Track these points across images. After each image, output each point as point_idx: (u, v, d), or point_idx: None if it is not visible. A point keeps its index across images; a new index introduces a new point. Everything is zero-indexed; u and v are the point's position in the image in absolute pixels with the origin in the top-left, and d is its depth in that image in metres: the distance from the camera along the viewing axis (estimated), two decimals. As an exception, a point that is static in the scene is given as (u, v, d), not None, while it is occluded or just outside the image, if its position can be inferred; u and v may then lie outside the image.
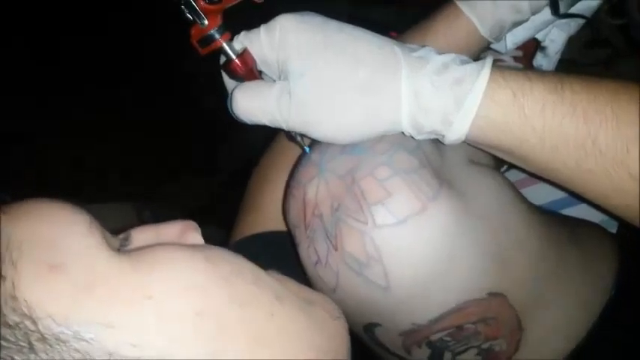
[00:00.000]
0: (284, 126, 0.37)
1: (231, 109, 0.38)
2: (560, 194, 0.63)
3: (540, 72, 0.34)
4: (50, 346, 0.22)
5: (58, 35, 1.11)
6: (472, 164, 0.41)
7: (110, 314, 0.24)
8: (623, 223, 0.57)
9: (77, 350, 0.22)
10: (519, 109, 0.33)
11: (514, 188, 0.43)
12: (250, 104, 0.37)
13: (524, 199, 0.43)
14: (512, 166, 0.64)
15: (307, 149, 0.41)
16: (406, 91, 0.34)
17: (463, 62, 0.35)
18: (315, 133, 0.37)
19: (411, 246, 0.35)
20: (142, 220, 0.32)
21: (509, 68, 0.34)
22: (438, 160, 0.38)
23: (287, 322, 0.29)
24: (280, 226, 0.49)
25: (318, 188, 0.38)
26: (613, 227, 0.59)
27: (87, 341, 0.23)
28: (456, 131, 0.34)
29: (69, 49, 1.13)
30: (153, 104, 1.14)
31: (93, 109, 1.13)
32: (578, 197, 0.52)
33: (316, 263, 0.38)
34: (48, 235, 0.25)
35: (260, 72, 0.39)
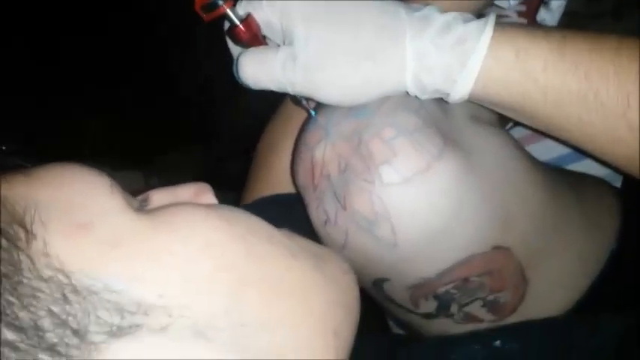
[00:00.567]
0: (290, 90, 0.38)
1: (237, 76, 0.39)
2: (564, 150, 0.63)
3: (543, 29, 0.34)
4: (83, 297, 0.23)
5: (57, 35, 1.11)
6: (475, 122, 0.41)
7: (136, 267, 0.25)
8: (627, 177, 0.59)
9: (108, 300, 0.24)
10: (522, 66, 0.33)
11: (517, 144, 0.44)
12: (256, 70, 0.38)
13: (527, 155, 0.44)
14: (516, 123, 0.65)
15: (313, 113, 0.41)
16: (410, 53, 0.35)
17: (466, 21, 0.35)
18: (321, 96, 0.37)
19: (417, 203, 0.36)
20: (151, 187, 0.33)
21: (512, 25, 0.34)
22: (442, 119, 0.39)
23: (302, 276, 0.30)
24: (290, 190, 0.50)
25: (325, 150, 0.39)
26: (617, 181, 0.60)
27: (117, 292, 0.24)
28: (459, 90, 0.35)
29: (67, 48, 1.12)
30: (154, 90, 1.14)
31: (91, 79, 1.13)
32: (582, 153, 0.53)
33: (326, 223, 0.39)
34: (74, 197, 0.26)
35: (264, 37, 0.40)
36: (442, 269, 0.39)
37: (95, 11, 1.10)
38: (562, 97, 0.33)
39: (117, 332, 0.23)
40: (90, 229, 0.25)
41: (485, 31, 0.34)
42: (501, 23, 0.34)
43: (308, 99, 0.40)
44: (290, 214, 0.44)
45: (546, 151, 0.63)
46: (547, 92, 0.33)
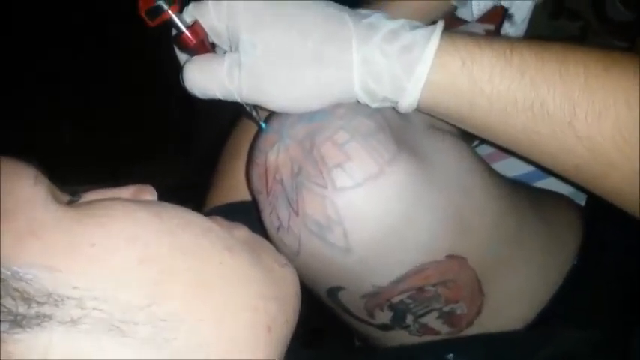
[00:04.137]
0: (237, 98, 0.37)
1: (183, 83, 0.38)
2: (530, 168, 0.64)
3: (491, 39, 0.35)
4: None
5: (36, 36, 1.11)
6: (434, 131, 0.41)
7: (51, 258, 0.25)
8: (590, 194, 0.59)
9: (16, 289, 0.23)
10: (468, 75, 0.33)
11: (475, 155, 0.44)
12: (202, 77, 0.37)
13: (486, 167, 0.44)
14: (482, 141, 0.65)
15: (264, 125, 0.41)
16: (357, 61, 0.34)
17: (413, 28, 0.35)
18: (269, 103, 0.37)
19: (369, 208, 0.36)
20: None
21: (459, 34, 0.35)
22: (399, 125, 0.39)
23: (235, 270, 0.30)
24: (247, 198, 0.50)
25: (278, 154, 0.38)
26: (581, 200, 0.60)
27: (25, 281, 0.24)
28: (407, 98, 0.35)
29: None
30: (128, 90, 1.14)
31: (70, 92, 1.12)
32: (546, 170, 0.53)
33: (278, 228, 0.39)
34: None
35: (213, 45, 0.39)
36: (396, 277, 0.38)
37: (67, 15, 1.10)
38: (508, 106, 0.33)
39: (22, 322, 0.23)
40: (5, 217, 0.25)
41: (431, 39, 0.34)
42: (449, 32, 0.35)
43: (258, 109, 0.40)
44: (246, 221, 0.44)
45: (512, 168, 0.64)
46: (493, 101, 0.33)
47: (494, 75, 0.33)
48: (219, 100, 0.39)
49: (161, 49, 0.39)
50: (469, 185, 0.41)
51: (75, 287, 0.25)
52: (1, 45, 1.05)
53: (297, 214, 0.37)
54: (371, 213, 0.36)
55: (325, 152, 0.36)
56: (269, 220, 0.39)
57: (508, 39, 0.35)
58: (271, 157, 0.39)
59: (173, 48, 0.40)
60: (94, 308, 0.25)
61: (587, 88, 0.31)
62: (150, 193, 0.33)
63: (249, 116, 0.41)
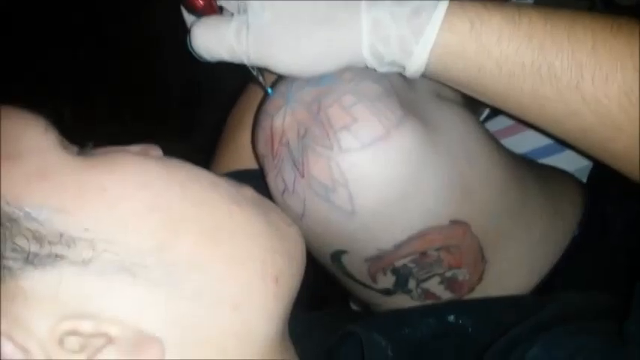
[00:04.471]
0: (245, 60, 0.37)
1: (190, 45, 0.38)
2: (534, 145, 0.64)
3: (500, 3, 0.35)
4: (1, 224, 0.23)
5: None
6: (439, 98, 0.42)
7: (62, 200, 0.26)
8: (592, 172, 0.59)
9: (28, 229, 0.24)
10: (477, 37, 0.33)
11: (481, 124, 0.44)
12: (209, 39, 0.37)
13: (489, 136, 0.44)
14: (488, 116, 0.66)
15: (270, 90, 0.41)
16: (366, 23, 0.34)
17: None
18: (276, 66, 0.37)
19: (374, 170, 0.36)
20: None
21: None
22: (405, 91, 0.39)
23: (243, 222, 0.30)
24: (254, 165, 0.50)
25: (285, 117, 0.38)
26: (583, 178, 0.61)
27: (38, 222, 0.24)
28: (415, 62, 0.35)
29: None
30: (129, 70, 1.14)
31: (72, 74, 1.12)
32: (558, 145, 0.54)
33: (284, 191, 0.39)
34: (5, 131, 0.27)
35: (221, 8, 0.39)
36: (399, 240, 0.38)
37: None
38: (516, 69, 0.33)
39: (34, 260, 0.24)
40: (17, 160, 0.26)
41: (440, 2, 0.34)
42: None
43: (265, 74, 0.40)
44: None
45: (516, 146, 0.64)
46: (501, 65, 0.33)
47: (502, 38, 0.33)
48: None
49: (161, 49, 0.39)
50: (474, 152, 0.41)
51: (86, 229, 0.25)
52: (1, 45, 1.05)
53: (302, 175, 0.38)
54: (376, 175, 0.36)
55: (332, 114, 0.36)
56: (274, 183, 0.40)
57: (516, 4, 0.35)
58: (277, 121, 0.39)
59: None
60: (104, 250, 0.25)
61: (594, 52, 0.31)
62: (156, 151, 0.33)
63: (256, 80, 0.41)
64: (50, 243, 0.24)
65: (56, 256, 0.24)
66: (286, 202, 0.39)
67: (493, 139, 0.44)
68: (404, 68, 0.36)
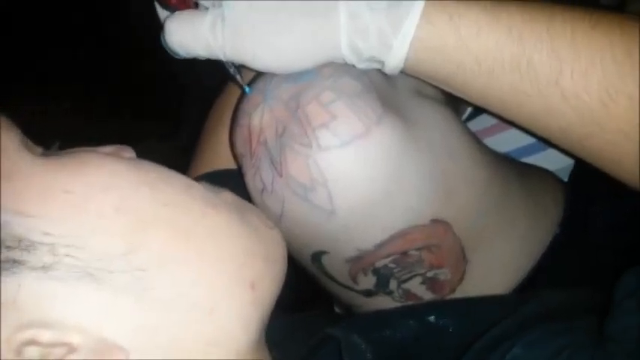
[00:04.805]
0: (220, 55, 0.36)
1: (164, 41, 0.37)
2: (515, 145, 0.64)
3: None
4: None
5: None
6: (420, 96, 0.41)
7: (22, 202, 0.25)
8: (574, 171, 0.60)
9: None
10: (455, 30, 0.33)
11: (462, 123, 0.44)
12: (183, 34, 0.36)
13: (471, 135, 0.44)
14: (476, 109, 0.65)
15: (247, 89, 0.39)
16: (344, 16, 0.34)
17: None
18: (254, 62, 0.36)
19: (354, 168, 0.35)
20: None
21: None
22: (385, 88, 0.38)
23: (219, 224, 0.30)
24: (232, 165, 0.49)
25: (263, 115, 0.38)
26: (565, 177, 0.61)
27: None
28: (394, 56, 0.34)
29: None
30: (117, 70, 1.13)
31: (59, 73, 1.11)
32: (540, 144, 0.53)
33: (262, 191, 0.38)
34: None
35: (196, 4, 0.38)
36: (380, 240, 0.38)
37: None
38: (495, 64, 0.33)
39: None
40: None
41: None
42: None
43: (242, 72, 0.39)
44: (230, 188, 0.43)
45: (498, 145, 0.64)
46: (481, 61, 0.33)
47: (481, 30, 0.32)
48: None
49: (161, 49, 0.38)
50: (455, 150, 0.40)
51: (46, 233, 0.24)
52: (1, 45, 1.03)
53: (280, 175, 0.37)
54: (356, 174, 0.35)
55: (310, 111, 0.36)
56: (253, 183, 0.39)
57: None
58: (255, 119, 0.38)
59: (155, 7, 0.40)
60: (66, 255, 0.24)
61: (573, 45, 0.31)
62: (129, 152, 0.32)
63: (232, 78, 0.40)
64: (8, 248, 0.23)
65: (14, 261, 0.23)
66: (265, 203, 0.38)
67: (475, 138, 0.44)
68: (383, 64, 0.35)
